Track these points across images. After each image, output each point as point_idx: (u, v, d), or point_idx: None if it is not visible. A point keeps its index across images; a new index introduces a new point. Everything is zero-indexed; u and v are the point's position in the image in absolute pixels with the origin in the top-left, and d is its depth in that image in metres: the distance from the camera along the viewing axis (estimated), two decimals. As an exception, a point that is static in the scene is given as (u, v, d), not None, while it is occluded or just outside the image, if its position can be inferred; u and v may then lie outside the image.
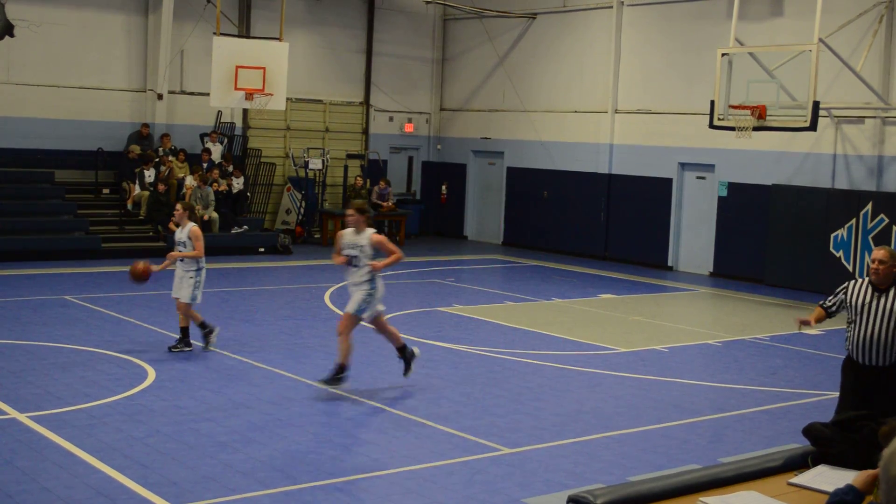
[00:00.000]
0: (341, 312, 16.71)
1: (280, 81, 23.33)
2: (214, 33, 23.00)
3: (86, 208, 24.15)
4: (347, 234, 11.73)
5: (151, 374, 12.14)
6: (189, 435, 9.83)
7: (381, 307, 11.81)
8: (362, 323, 11.81)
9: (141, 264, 13.52)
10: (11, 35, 24.57)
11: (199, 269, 13.48)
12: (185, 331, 13.50)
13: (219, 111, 26.27)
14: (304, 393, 11.69)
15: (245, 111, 26.66)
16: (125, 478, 8.54)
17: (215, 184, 24.64)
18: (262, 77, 23.04)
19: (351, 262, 11.62)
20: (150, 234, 23.87)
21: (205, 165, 25.38)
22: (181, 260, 13.48)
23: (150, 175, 24.40)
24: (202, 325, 13.60)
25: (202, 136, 26.43)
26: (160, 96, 26.15)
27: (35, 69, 24.79)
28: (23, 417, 10.16)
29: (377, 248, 11.60)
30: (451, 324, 16.46)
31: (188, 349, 13.45)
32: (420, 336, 15.03)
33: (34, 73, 24.79)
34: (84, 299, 17.15)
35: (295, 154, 27.86)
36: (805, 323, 8.91)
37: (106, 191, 25.14)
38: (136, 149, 25.07)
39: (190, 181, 24.50)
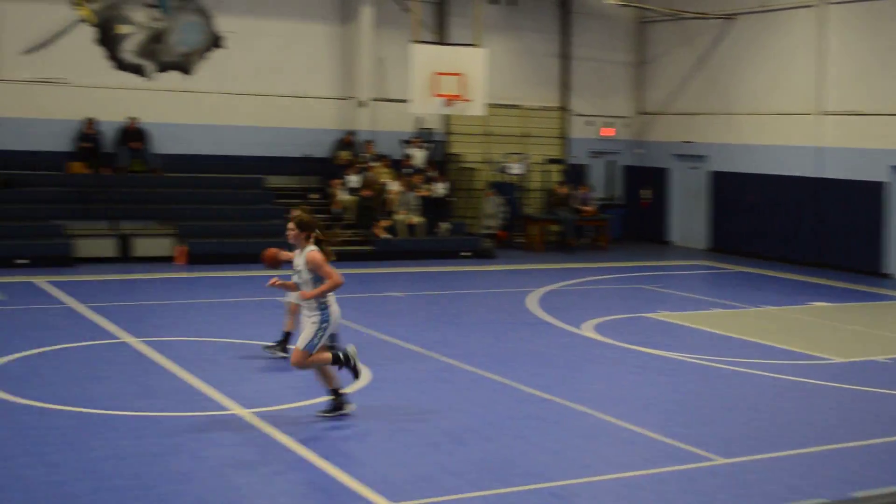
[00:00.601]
0: (546, 317, 16.82)
1: (478, 87, 23.53)
2: (412, 41, 23.36)
3: (294, 213, 24.85)
4: (295, 255, 10.39)
5: (365, 375, 12.38)
6: (402, 434, 9.97)
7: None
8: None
9: (271, 250, 12.14)
10: (221, 47, 25.60)
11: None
12: (287, 336, 13.08)
13: (419, 117, 26.66)
14: (511, 396, 11.70)
15: (445, 117, 26.96)
16: (343, 474, 8.72)
17: (419, 189, 25.05)
18: (461, 83, 23.28)
19: (298, 287, 10.24)
20: (358, 238, 24.41)
21: (407, 171, 25.81)
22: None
23: (355, 181, 24.98)
24: (286, 334, 13.20)
25: (403, 142, 26.89)
26: (363, 103, 26.73)
27: (243, 79, 25.75)
28: (245, 413, 10.52)
29: (313, 271, 10.04)
30: (658, 330, 16.20)
31: (284, 355, 12.90)
32: (627, 342, 14.86)
33: (243, 83, 25.77)
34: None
35: (495, 159, 28.03)
36: None
37: (313, 196, 25.86)
38: (344, 155, 25.72)
39: (394, 186, 24.96)
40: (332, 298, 10.21)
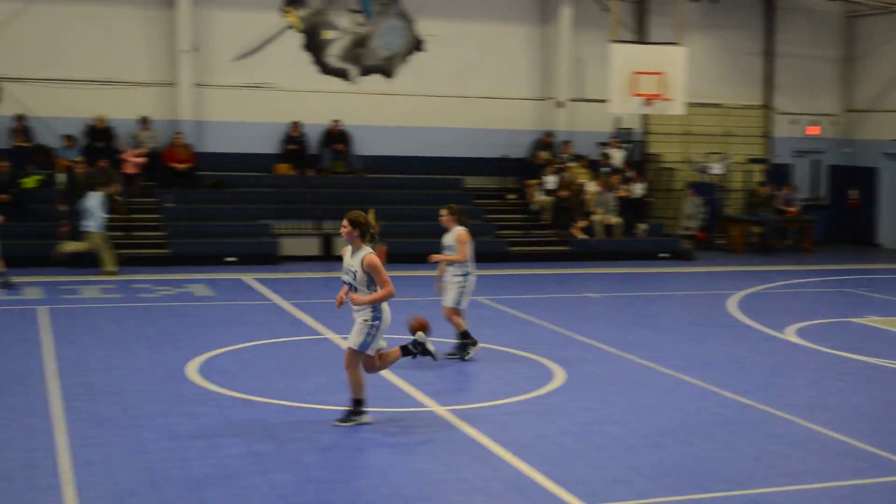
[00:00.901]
0: (747, 320, 16.41)
1: (678, 86, 23.14)
2: (611, 40, 23.17)
3: (492, 213, 25.09)
4: (345, 253, 10.04)
5: (560, 375, 12.37)
6: (597, 436, 9.90)
7: (383, 343, 10.05)
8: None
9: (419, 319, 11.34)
10: (422, 50, 26.03)
11: (465, 275, 13.06)
12: (463, 335, 13.11)
13: (618, 117, 26.44)
14: (710, 400, 11.46)
15: (644, 116, 26.65)
16: (538, 474, 8.73)
17: (616, 189, 24.86)
18: (660, 82, 22.95)
19: (350, 287, 9.91)
20: (554, 238, 24.41)
21: (605, 171, 25.64)
22: (449, 264, 13.23)
23: (552, 181, 24.97)
24: (464, 335, 13.10)
25: (599, 143, 26.73)
26: (560, 104, 26.69)
27: (443, 81, 26.12)
28: (442, 410, 10.66)
29: (370, 274, 9.74)
30: (866, 336, 15.58)
31: (467, 356, 12.99)
32: (832, 347, 14.36)
33: (442, 85, 26.14)
34: (493, 300, 17.79)
35: (694, 159, 27.53)
36: None
37: (511, 196, 25.99)
38: (543, 155, 25.76)
39: (591, 187, 24.84)
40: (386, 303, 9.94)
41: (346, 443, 9.44)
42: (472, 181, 26.10)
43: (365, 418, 10.00)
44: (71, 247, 20.16)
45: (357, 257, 9.73)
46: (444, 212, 13.20)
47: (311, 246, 22.73)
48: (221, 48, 24.76)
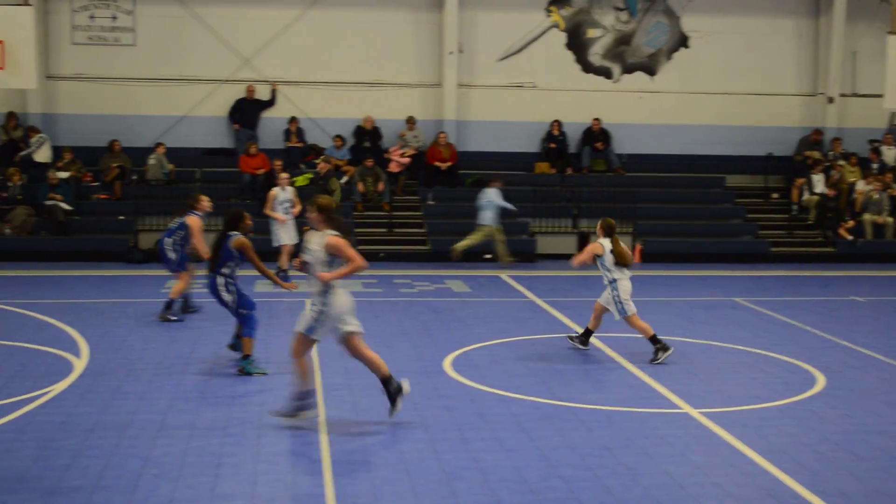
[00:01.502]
0: None
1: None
2: (889, 32, 22.04)
3: (755, 213, 24.43)
4: (310, 236, 9.84)
5: (821, 381, 11.91)
6: (860, 446, 9.47)
7: (349, 328, 9.70)
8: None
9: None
10: (686, 46, 25.63)
11: (612, 282, 12.83)
12: (653, 339, 12.71)
13: (892, 112, 25.20)
14: None
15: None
16: (794, 482, 8.44)
17: (891, 188, 23.69)
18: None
19: (307, 268, 9.77)
20: (820, 239, 23.52)
21: (876, 169, 24.49)
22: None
23: (819, 180, 24.05)
24: (652, 340, 12.71)
25: (871, 141, 25.54)
26: (831, 100, 25.69)
27: (707, 78, 25.65)
28: (696, 413, 10.48)
29: (332, 255, 9.57)
30: None
31: (657, 360, 12.59)
32: None
33: (706, 82, 25.68)
34: (753, 302, 17.31)
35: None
36: None
37: (775, 195, 25.22)
38: (812, 154, 24.86)
39: (861, 186, 23.77)
40: (339, 290, 9.66)
41: (595, 442, 9.42)
42: (734, 180, 25.51)
43: (310, 413, 9.86)
44: (463, 244, 21.09)
45: (319, 240, 9.61)
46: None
47: (568, 244, 22.77)
48: (485, 49, 25.20)
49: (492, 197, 21.22)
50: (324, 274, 9.54)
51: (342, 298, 9.66)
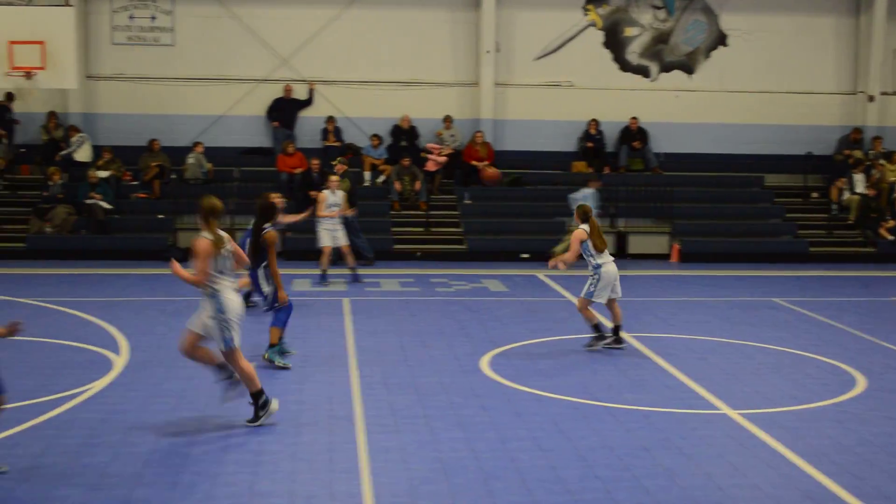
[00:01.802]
0: None
1: None
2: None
3: (794, 212, 24.26)
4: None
5: (861, 383, 11.80)
6: (900, 448, 9.41)
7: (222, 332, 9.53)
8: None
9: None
10: (724, 44, 25.49)
11: (597, 267, 13.16)
12: (595, 328, 13.33)
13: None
14: None
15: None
16: (835, 485, 8.38)
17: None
18: None
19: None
20: (860, 239, 23.33)
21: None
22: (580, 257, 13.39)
23: (860, 180, 23.85)
24: (594, 328, 13.32)
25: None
26: (871, 98, 25.46)
27: (745, 76, 25.51)
28: (734, 414, 10.42)
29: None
30: None
31: (591, 347, 13.26)
32: None
33: (744, 80, 25.53)
34: (792, 302, 17.19)
35: None
36: None
37: (814, 195, 25.04)
38: (853, 153, 24.64)
39: (902, 185, 23.58)
40: (228, 289, 9.52)
41: (633, 442, 9.40)
42: (773, 179, 25.32)
43: (272, 407, 9.79)
44: (562, 247, 20.89)
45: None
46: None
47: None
48: (522, 48, 25.16)
49: (588, 197, 20.80)
50: (176, 267, 9.35)
51: (235, 302, 9.57)
